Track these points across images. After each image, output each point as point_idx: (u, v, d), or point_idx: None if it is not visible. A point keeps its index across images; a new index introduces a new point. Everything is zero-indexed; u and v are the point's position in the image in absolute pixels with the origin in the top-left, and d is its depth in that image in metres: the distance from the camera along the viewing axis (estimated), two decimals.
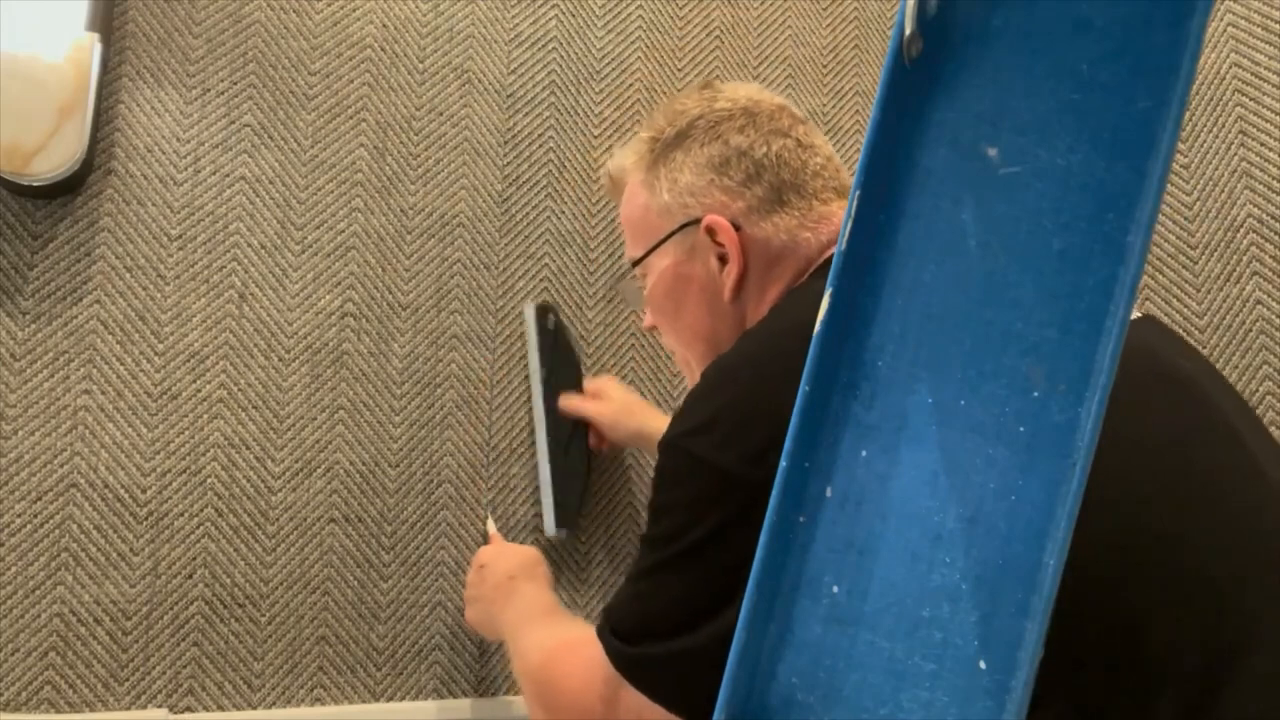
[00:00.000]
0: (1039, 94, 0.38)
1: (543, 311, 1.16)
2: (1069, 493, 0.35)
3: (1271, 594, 0.54)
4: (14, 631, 0.96)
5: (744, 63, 1.36)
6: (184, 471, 1.03)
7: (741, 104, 0.83)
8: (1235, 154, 1.17)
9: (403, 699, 1.07)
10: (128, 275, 1.05)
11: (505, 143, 1.23)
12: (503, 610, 0.93)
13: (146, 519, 1.01)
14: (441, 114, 1.20)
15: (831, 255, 0.77)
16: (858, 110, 1.41)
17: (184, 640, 1.01)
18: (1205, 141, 1.19)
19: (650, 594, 0.65)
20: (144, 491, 1.02)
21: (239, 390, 1.07)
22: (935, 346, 0.40)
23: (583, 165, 1.25)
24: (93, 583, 0.99)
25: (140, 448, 1.02)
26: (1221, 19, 1.20)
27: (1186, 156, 1.20)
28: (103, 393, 1.02)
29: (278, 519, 1.06)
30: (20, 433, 0.99)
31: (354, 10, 1.19)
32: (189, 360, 1.05)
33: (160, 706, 0.99)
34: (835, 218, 0.80)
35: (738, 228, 0.78)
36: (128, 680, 0.99)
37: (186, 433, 1.04)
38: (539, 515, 1.14)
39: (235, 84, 1.12)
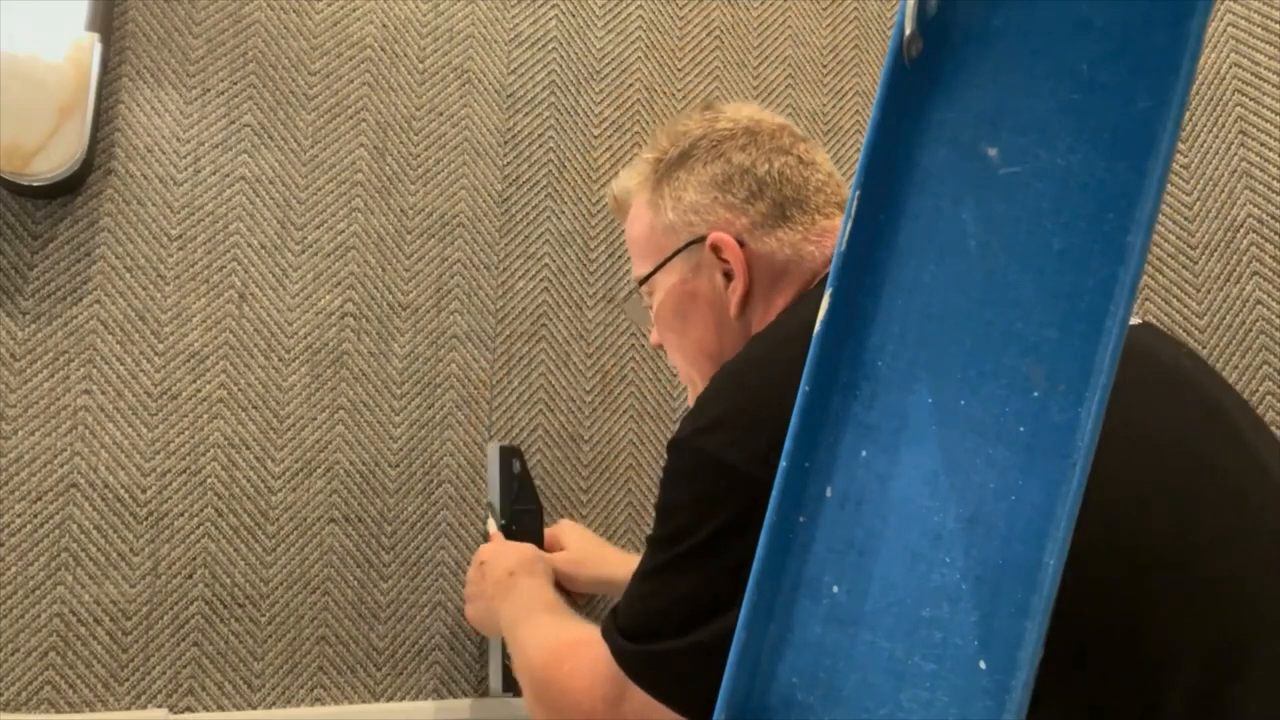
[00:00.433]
0: (1039, 94, 0.38)
1: (508, 454, 1.10)
2: (1069, 493, 0.35)
3: (1275, 593, 0.54)
4: (14, 631, 0.96)
5: (744, 63, 1.36)
6: (184, 471, 1.03)
7: (743, 124, 0.84)
8: (1235, 154, 1.17)
9: (403, 699, 1.07)
10: (128, 275, 1.05)
11: (505, 143, 1.23)
12: (502, 606, 0.92)
13: (146, 519, 1.01)
14: (441, 114, 1.20)
15: None
16: (858, 110, 1.41)
17: (184, 640, 1.01)
18: (1205, 141, 1.19)
19: (657, 593, 0.65)
20: (144, 491, 1.02)
21: (239, 390, 1.07)
22: (935, 346, 0.40)
23: (583, 165, 1.25)
24: (93, 583, 0.99)
25: (140, 448, 1.02)
26: (1221, 19, 1.20)
27: (1186, 156, 1.20)
28: (103, 393, 1.02)
29: (278, 519, 1.06)
30: (20, 433, 0.99)
31: (354, 10, 1.19)
32: (189, 360, 1.05)
33: (160, 706, 0.99)
34: (832, 234, 0.81)
35: (742, 244, 0.79)
36: (128, 680, 0.99)
37: (186, 433, 1.04)
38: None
39: (235, 84, 1.12)
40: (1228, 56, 1.20)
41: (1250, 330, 1.13)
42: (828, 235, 0.80)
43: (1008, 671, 0.35)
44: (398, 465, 1.11)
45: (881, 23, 1.44)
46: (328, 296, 1.12)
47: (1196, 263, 1.17)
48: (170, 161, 1.09)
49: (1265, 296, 1.13)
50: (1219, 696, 0.51)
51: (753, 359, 0.68)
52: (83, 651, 0.97)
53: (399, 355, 1.13)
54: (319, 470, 1.08)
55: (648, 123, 1.30)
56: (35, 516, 0.98)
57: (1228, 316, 1.15)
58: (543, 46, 1.27)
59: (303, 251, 1.12)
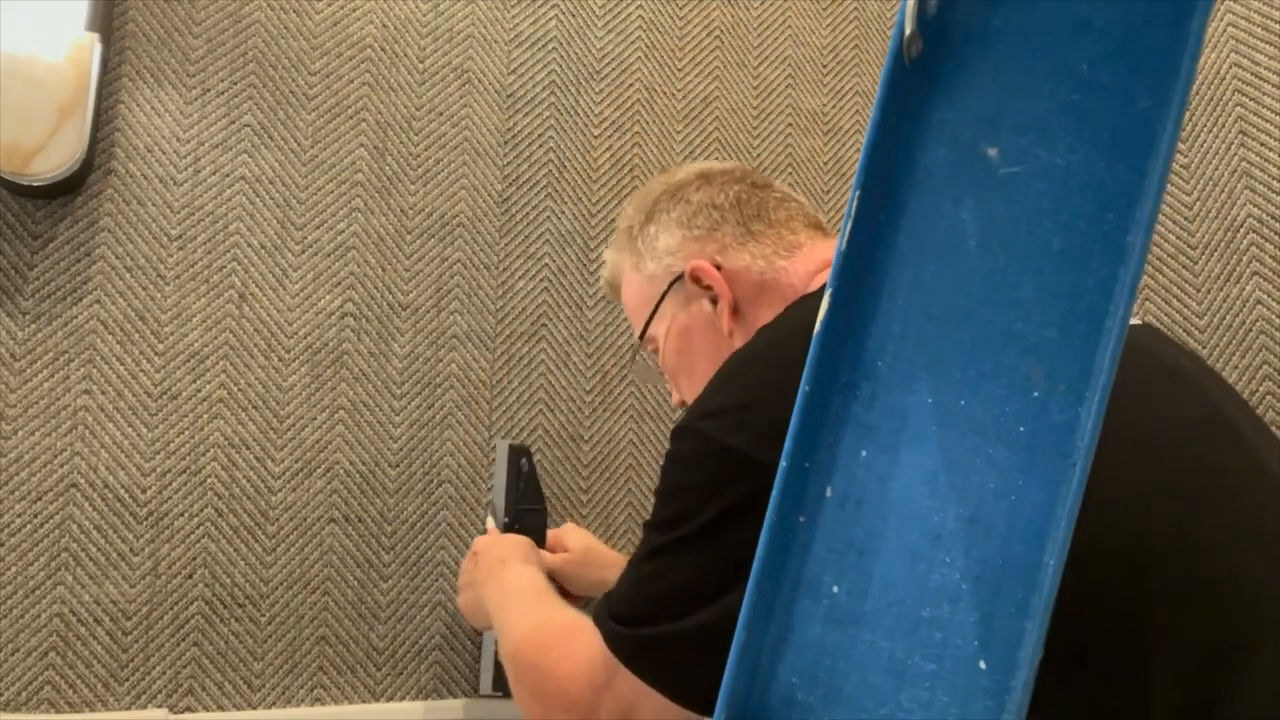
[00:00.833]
0: (1039, 94, 0.38)
1: (516, 453, 1.11)
2: (1069, 493, 0.35)
3: (1275, 593, 0.54)
4: (14, 631, 0.96)
5: (744, 63, 1.36)
6: (184, 471, 1.03)
7: (696, 170, 0.91)
8: (1235, 154, 1.17)
9: (402, 699, 1.07)
10: (128, 275, 1.05)
11: (505, 143, 1.23)
12: (489, 591, 0.92)
13: (146, 519, 1.01)
14: (441, 114, 1.20)
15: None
16: (858, 110, 1.41)
17: (184, 640, 1.01)
18: (1205, 141, 1.19)
19: (652, 577, 0.64)
20: (144, 491, 1.02)
21: (239, 390, 1.07)
22: (935, 346, 0.40)
23: (583, 165, 1.25)
24: (93, 583, 0.99)
25: (140, 448, 1.02)
26: (1221, 19, 1.20)
27: (1186, 156, 1.20)
28: (103, 393, 1.02)
29: (278, 519, 1.06)
30: (20, 433, 0.99)
31: (354, 10, 1.19)
32: (189, 360, 1.05)
33: (160, 706, 0.99)
34: (805, 248, 0.85)
35: (718, 266, 0.84)
36: (128, 680, 0.99)
37: (186, 433, 1.04)
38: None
39: (235, 84, 1.12)
40: (1228, 56, 1.20)
41: (1250, 330, 1.13)
42: (797, 251, 0.84)
43: (1008, 671, 0.35)
44: (398, 465, 1.11)
45: (881, 23, 1.44)
46: (328, 296, 1.12)
47: (1196, 263, 1.17)
48: (170, 161, 1.09)
49: (1265, 296, 1.13)
50: (1217, 697, 0.51)
51: (758, 348, 0.69)
52: (83, 651, 0.97)
53: (399, 355, 1.13)
54: (319, 470, 1.08)
55: (648, 123, 1.30)
56: (35, 516, 0.98)
57: (1228, 316, 1.15)
58: (543, 46, 1.27)
59: (303, 251, 1.12)
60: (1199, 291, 1.16)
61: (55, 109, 0.99)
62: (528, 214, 1.22)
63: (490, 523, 1.10)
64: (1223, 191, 1.17)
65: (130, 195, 1.07)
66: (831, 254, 0.86)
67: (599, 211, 1.25)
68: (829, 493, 0.41)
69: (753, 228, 0.85)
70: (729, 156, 1.33)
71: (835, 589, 0.40)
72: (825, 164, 1.37)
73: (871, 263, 0.42)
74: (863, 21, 1.44)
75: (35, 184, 0.99)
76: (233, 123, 1.11)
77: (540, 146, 1.24)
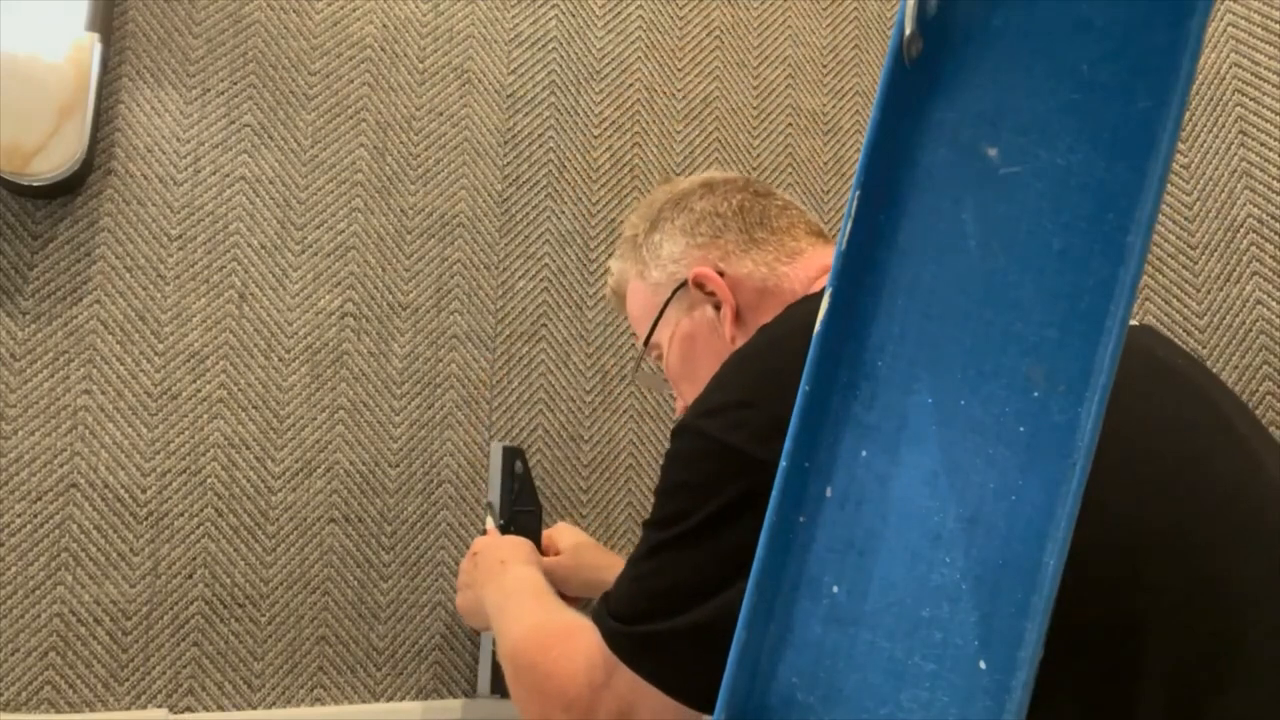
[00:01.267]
0: (1039, 94, 0.38)
1: (510, 455, 1.11)
2: (1069, 493, 0.35)
3: (1271, 592, 0.54)
4: (14, 631, 0.96)
5: (744, 63, 1.36)
6: (184, 471, 1.03)
7: (700, 180, 0.92)
8: (1235, 154, 1.17)
9: (402, 699, 1.07)
10: (128, 275, 1.05)
11: (505, 143, 1.23)
12: (489, 591, 0.92)
13: (146, 519, 1.01)
14: (441, 114, 1.20)
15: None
16: (858, 110, 1.41)
17: (184, 640, 1.01)
18: (1205, 141, 1.19)
19: (651, 575, 0.64)
20: (144, 491, 1.02)
21: (239, 390, 1.07)
22: (935, 346, 0.40)
23: (583, 165, 1.25)
24: (93, 583, 0.99)
25: (140, 448, 1.02)
26: (1221, 19, 1.20)
27: (1186, 156, 1.20)
28: (103, 393, 1.02)
29: (278, 519, 1.06)
30: (20, 433, 0.99)
31: (354, 10, 1.19)
32: (189, 360, 1.05)
33: (160, 706, 0.99)
34: (806, 255, 0.86)
35: (721, 273, 0.85)
36: (128, 680, 0.99)
37: (186, 433, 1.04)
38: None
39: (235, 84, 1.12)
40: (1228, 56, 1.20)
41: (1250, 330, 1.13)
42: (799, 258, 0.85)
43: (1008, 671, 0.35)
44: (398, 465, 1.11)
45: (881, 23, 1.44)
46: (328, 296, 1.12)
47: (1196, 263, 1.17)
48: (170, 161, 1.09)
49: (1265, 296, 1.13)
50: (1214, 694, 0.51)
51: (757, 347, 0.69)
52: (83, 651, 0.97)
53: (399, 355, 1.13)
54: (319, 470, 1.08)
55: (648, 123, 1.30)
56: (35, 516, 0.98)
57: (1228, 316, 1.15)
58: (543, 46, 1.27)
59: (303, 251, 1.12)
60: (1199, 291, 1.16)
61: (55, 109, 0.99)
62: (528, 214, 1.22)
63: (490, 523, 1.10)
64: (1223, 191, 1.17)
65: (130, 195, 1.07)
66: (832, 259, 0.86)
67: (599, 211, 1.25)
68: (829, 493, 0.41)
69: (755, 235, 0.87)
70: (729, 156, 1.33)
71: (835, 589, 0.40)
72: (825, 164, 1.37)
73: (871, 263, 0.42)
74: (863, 21, 1.44)
75: (35, 184, 0.99)
76: (233, 123, 1.11)
77: (540, 146, 1.24)
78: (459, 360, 1.16)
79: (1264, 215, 1.14)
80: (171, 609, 1.01)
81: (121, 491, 1.01)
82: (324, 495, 1.08)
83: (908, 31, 0.40)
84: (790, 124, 1.36)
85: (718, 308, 0.85)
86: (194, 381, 1.05)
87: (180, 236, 1.08)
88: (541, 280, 1.21)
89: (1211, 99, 1.20)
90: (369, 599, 1.08)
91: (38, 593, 0.97)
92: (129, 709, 0.98)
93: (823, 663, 0.40)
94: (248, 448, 1.06)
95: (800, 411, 0.42)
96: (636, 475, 1.21)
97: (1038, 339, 0.37)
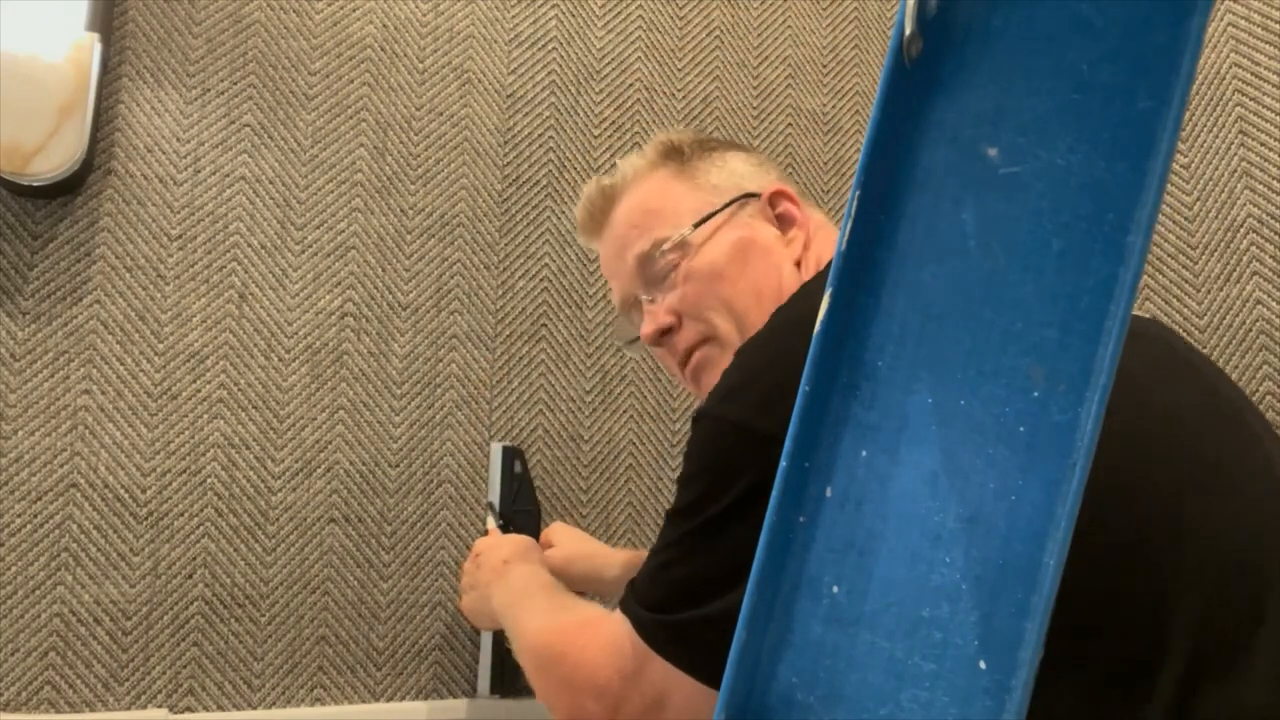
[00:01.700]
0: (1039, 94, 0.38)
1: (510, 455, 1.12)
2: (1069, 493, 0.35)
3: (1276, 580, 0.55)
4: (14, 631, 0.96)
5: (744, 62, 1.36)
6: (184, 471, 1.03)
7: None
8: (1235, 154, 1.17)
9: (402, 699, 1.07)
10: (128, 275, 1.05)
11: (505, 143, 1.23)
12: (496, 592, 0.91)
13: (146, 519, 1.01)
14: (441, 114, 1.20)
15: None
16: (858, 110, 1.41)
17: (184, 640, 1.01)
18: (1205, 141, 1.19)
19: (678, 562, 0.64)
20: (144, 491, 1.02)
21: (239, 390, 1.07)
22: (935, 346, 0.40)
23: (583, 165, 1.25)
24: (93, 583, 0.99)
25: (140, 448, 1.02)
26: (1221, 19, 1.20)
27: (1186, 156, 1.20)
28: (103, 393, 1.02)
29: (278, 519, 1.06)
30: (20, 433, 0.99)
31: (354, 10, 1.19)
32: (189, 360, 1.05)
33: (160, 706, 0.99)
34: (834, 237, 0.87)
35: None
36: (128, 680, 0.99)
37: (186, 433, 1.04)
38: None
39: (235, 84, 1.12)
40: (1228, 56, 1.20)
41: (1250, 330, 1.13)
42: (833, 229, 0.87)
43: (1008, 671, 0.35)
44: (398, 465, 1.11)
45: (881, 23, 1.44)
46: (328, 296, 1.12)
47: (1196, 263, 1.17)
48: (170, 161, 1.09)
49: (1265, 296, 1.13)
50: (1217, 681, 0.51)
51: (775, 330, 0.68)
52: (83, 651, 0.97)
53: (399, 355, 1.13)
54: (319, 470, 1.08)
55: (648, 123, 1.30)
56: (35, 516, 0.98)
57: (1228, 316, 1.15)
58: (543, 46, 1.27)
59: (303, 251, 1.12)
60: (1199, 291, 1.16)
61: (55, 109, 0.99)
62: (528, 214, 1.22)
63: (491, 523, 1.11)
64: (1223, 191, 1.17)
65: (130, 195, 1.07)
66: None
67: None
68: (829, 493, 0.41)
69: (806, 200, 0.89)
70: None
71: (835, 589, 0.40)
72: (825, 164, 1.37)
73: (871, 263, 0.42)
74: (863, 21, 1.44)
75: (35, 184, 0.99)
76: (233, 123, 1.11)
77: (540, 146, 1.24)
78: (459, 360, 1.16)
79: (1264, 215, 1.14)
80: (171, 609, 1.01)
81: (121, 491, 1.01)
82: (324, 495, 1.08)
83: (908, 31, 0.40)
84: (790, 124, 1.36)
85: (782, 229, 0.85)
86: (194, 381, 1.05)
87: (180, 236, 1.08)
88: (541, 280, 1.21)
89: (1211, 99, 1.20)
90: (369, 599, 1.08)
91: (38, 593, 0.97)
92: (129, 709, 0.98)
93: (823, 663, 0.40)
94: (248, 448, 1.06)
95: (800, 411, 0.42)
96: (636, 475, 1.21)
97: (1038, 339, 0.37)
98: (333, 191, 1.14)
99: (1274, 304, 1.12)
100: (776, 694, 0.41)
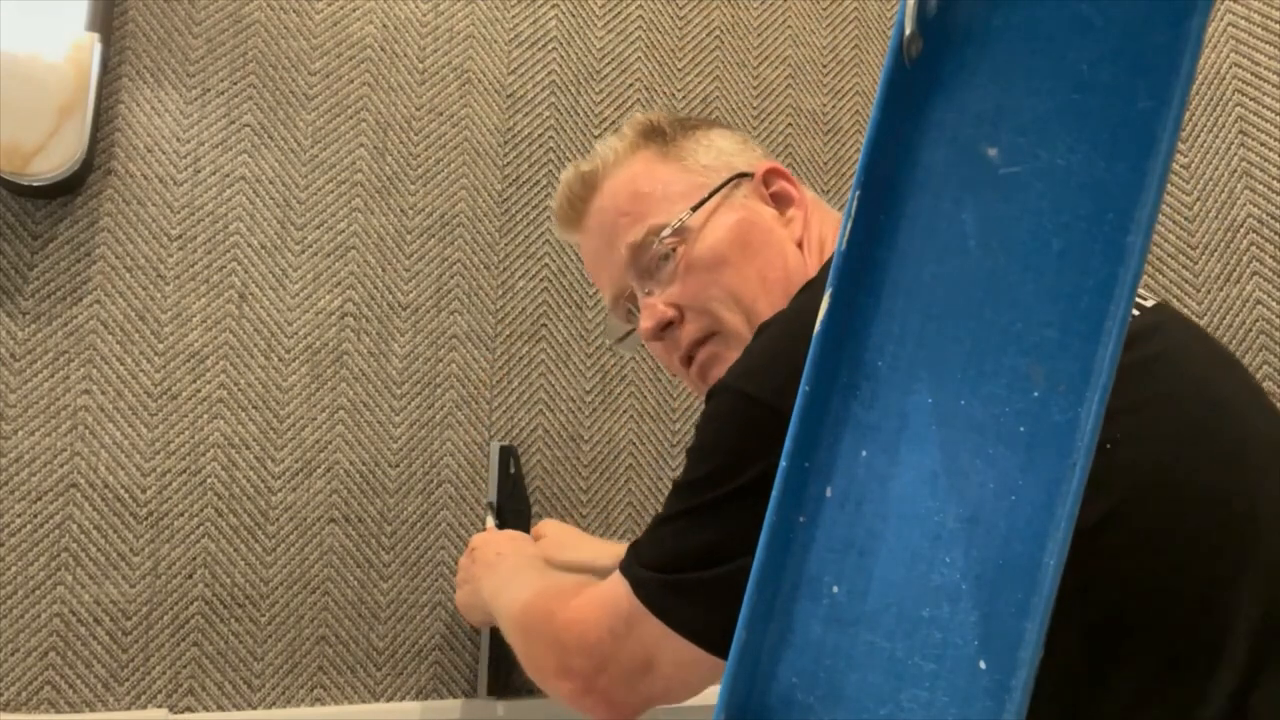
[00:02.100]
0: (1039, 94, 0.38)
1: (505, 454, 1.12)
2: (1069, 493, 0.35)
3: None
4: (14, 631, 0.96)
5: (744, 62, 1.36)
6: (184, 471, 1.03)
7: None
8: (1235, 154, 1.17)
9: (403, 699, 1.07)
10: (128, 275, 1.05)
11: (505, 143, 1.23)
12: (486, 581, 0.90)
13: (146, 519, 1.01)
14: (441, 114, 1.20)
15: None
16: (858, 110, 1.41)
17: (184, 640, 1.01)
18: (1205, 141, 1.19)
19: (685, 532, 0.63)
20: (144, 491, 1.02)
21: (239, 390, 1.07)
22: (935, 346, 0.40)
23: None
24: (93, 583, 0.99)
25: (140, 448, 1.02)
26: (1221, 19, 1.20)
27: (1186, 156, 1.20)
28: (103, 393, 1.02)
29: (278, 519, 1.06)
30: (20, 433, 0.99)
31: (354, 10, 1.19)
32: (189, 360, 1.05)
33: (160, 706, 0.99)
34: (831, 212, 0.85)
35: None
36: (128, 680, 0.99)
37: (186, 433, 1.04)
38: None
39: (235, 84, 1.12)
40: (1228, 56, 1.20)
41: (1250, 330, 1.13)
42: (827, 207, 0.85)
43: (1008, 671, 0.35)
44: (398, 465, 1.11)
45: (881, 23, 1.44)
46: (328, 296, 1.12)
47: (1196, 263, 1.17)
48: (170, 161, 1.09)
49: (1265, 296, 1.13)
50: (1276, 666, 0.51)
51: (804, 306, 0.65)
52: (83, 651, 0.97)
53: (399, 355, 1.13)
54: (319, 470, 1.08)
55: None
56: (35, 516, 0.98)
57: (1228, 316, 1.14)
58: (543, 46, 1.27)
59: (303, 251, 1.12)
60: (1199, 291, 1.16)
61: (55, 109, 0.99)
62: (528, 214, 1.22)
63: (490, 522, 1.11)
64: (1223, 191, 1.17)
65: (130, 195, 1.07)
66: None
67: None
68: (829, 493, 0.41)
69: (794, 177, 0.86)
70: None
71: (835, 589, 0.40)
72: (825, 164, 1.37)
73: (871, 263, 0.42)
74: (863, 21, 1.44)
75: (35, 184, 0.99)
76: (233, 123, 1.11)
77: (540, 146, 1.24)
78: (459, 360, 1.16)
79: (1264, 215, 1.14)
80: (171, 609, 1.01)
81: (121, 491, 1.01)
82: (324, 495, 1.08)
83: (908, 31, 0.40)
84: (790, 124, 1.36)
85: (778, 208, 0.82)
86: (194, 381, 1.05)
87: (180, 236, 1.08)
88: (541, 280, 1.21)
89: (1211, 99, 1.20)
90: (369, 599, 1.08)
91: (38, 593, 0.97)
92: (129, 709, 0.98)
93: (823, 663, 0.40)
94: (248, 448, 1.06)
95: (800, 411, 0.42)
96: (636, 475, 1.21)
97: (1038, 339, 0.37)
98: (333, 191, 1.14)
99: (1274, 304, 1.12)
100: (776, 694, 0.41)
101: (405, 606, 1.09)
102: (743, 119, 1.34)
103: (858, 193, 0.41)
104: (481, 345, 1.17)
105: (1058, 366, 0.36)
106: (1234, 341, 1.14)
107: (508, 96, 1.24)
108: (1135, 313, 0.60)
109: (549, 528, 1.09)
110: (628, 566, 0.65)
